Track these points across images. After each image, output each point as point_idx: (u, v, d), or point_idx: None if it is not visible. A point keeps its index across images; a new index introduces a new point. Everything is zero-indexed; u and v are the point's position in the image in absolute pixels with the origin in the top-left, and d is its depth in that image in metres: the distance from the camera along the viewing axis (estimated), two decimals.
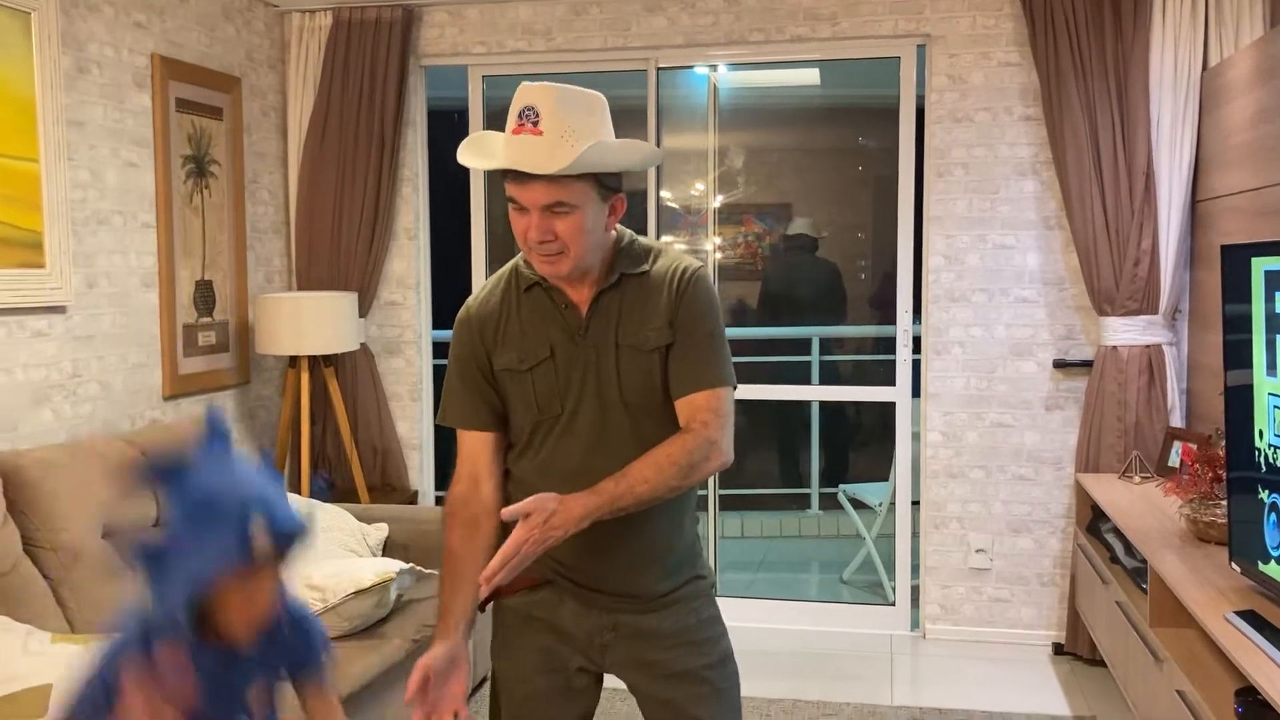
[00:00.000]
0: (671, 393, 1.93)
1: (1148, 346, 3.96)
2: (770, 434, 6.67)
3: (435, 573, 3.54)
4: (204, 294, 4.06)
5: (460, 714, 1.86)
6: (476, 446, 1.99)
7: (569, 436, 1.93)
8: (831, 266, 6.42)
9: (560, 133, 1.79)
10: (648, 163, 1.99)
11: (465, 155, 1.89)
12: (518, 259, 2.01)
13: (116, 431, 3.49)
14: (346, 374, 4.55)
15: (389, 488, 4.58)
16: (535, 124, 1.79)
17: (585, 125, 1.81)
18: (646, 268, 1.97)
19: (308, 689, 1.76)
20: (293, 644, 1.70)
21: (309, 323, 4.08)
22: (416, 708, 1.84)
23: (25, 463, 2.83)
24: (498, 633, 2.08)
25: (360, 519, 3.70)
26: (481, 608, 2.03)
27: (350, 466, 4.41)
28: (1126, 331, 3.97)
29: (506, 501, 1.93)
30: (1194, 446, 3.51)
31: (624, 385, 1.93)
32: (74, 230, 3.38)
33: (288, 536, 1.55)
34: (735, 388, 1.97)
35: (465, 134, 4.76)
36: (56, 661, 2.46)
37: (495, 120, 5.07)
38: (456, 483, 1.99)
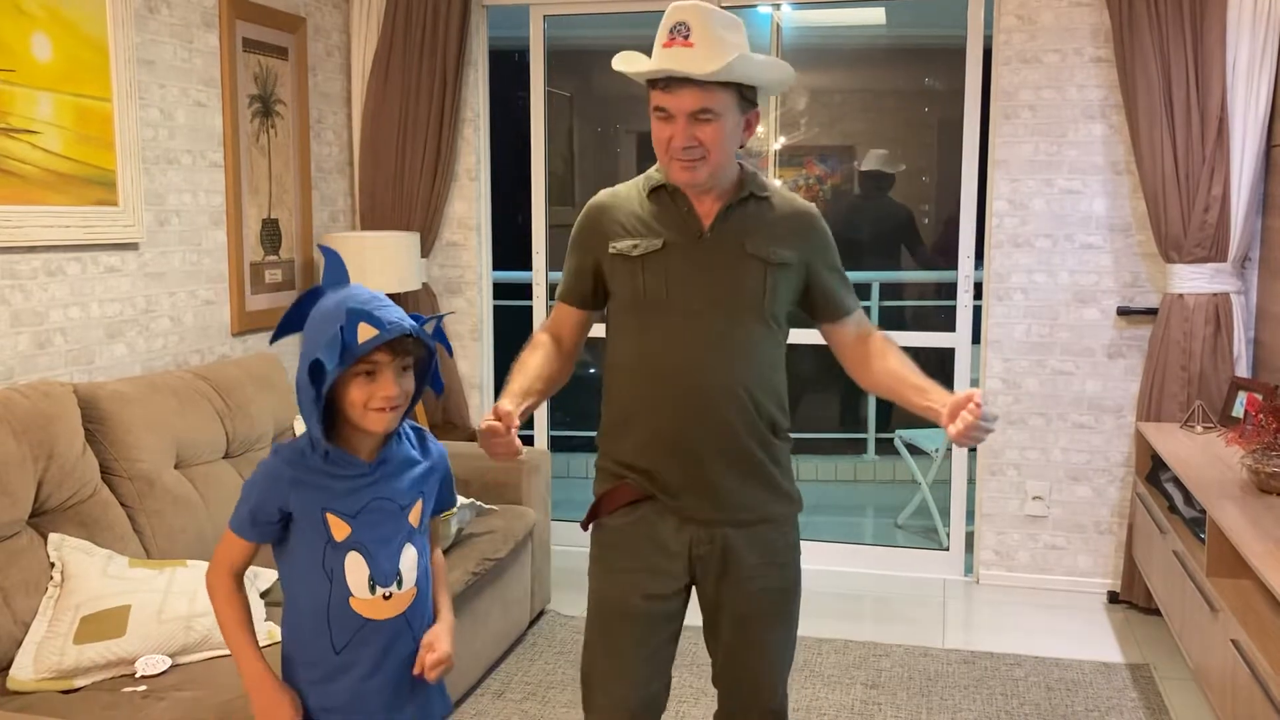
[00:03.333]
0: (829, 313, 2.17)
1: (1215, 295, 3.89)
2: (828, 379, 6.66)
3: (495, 509, 3.62)
4: (270, 233, 4.13)
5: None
6: (564, 318, 2.19)
7: (669, 328, 2.03)
8: (903, 210, 6.34)
9: (710, 45, 1.93)
10: (785, 83, 2.11)
11: (620, 63, 2.01)
12: (654, 167, 2.13)
13: (187, 366, 3.59)
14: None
15: (450, 425, 4.66)
16: (686, 38, 1.93)
17: (731, 40, 1.96)
18: (769, 194, 2.12)
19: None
20: (432, 478, 1.88)
21: (372, 262, 4.14)
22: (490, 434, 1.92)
23: (102, 394, 2.93)
24: (596, 551, 2.15)
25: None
26: (584, 526, 2.16)
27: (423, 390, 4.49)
28: (1193, 279, 3.90)
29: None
30: (1259, 397, 3.46)
31: (741, 289, 2.05)
32: (145, 169, 3.45)
33: (392, 336, 1.68)
34: None
35: (526, 75, 4.78)
36: (134, 585, 2.57)
37: (557, 59, 5.06)
38: (540, 331, 2.19)
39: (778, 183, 2.19)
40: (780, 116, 5.11)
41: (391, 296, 4.45)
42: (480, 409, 4.79)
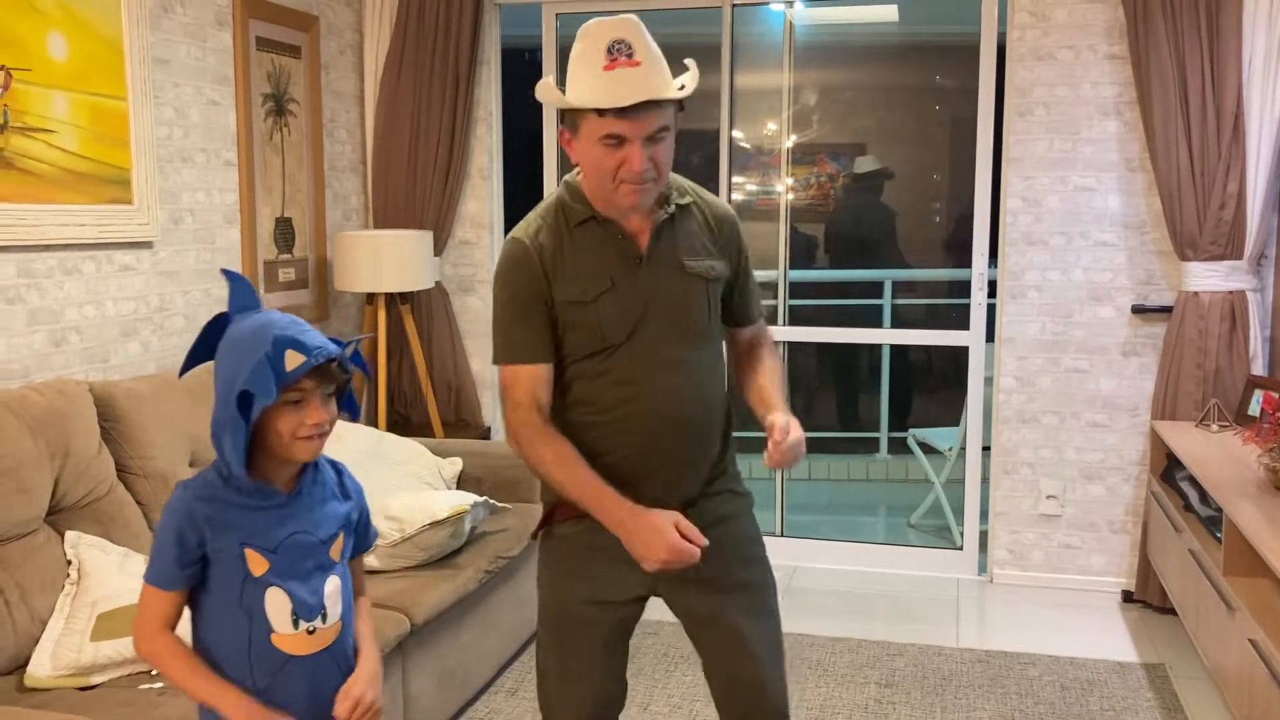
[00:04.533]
0: (742, 318, 2.16)
1: (1230, 292, 3.87)
2: (840, 377, 6.65)
3: (508, 506, 3.62)
4: (284, 231, 4.14)
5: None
6: (538, 377, 1.98)
7: (632, 359, 1.98)
8: (889, 210, 6.33)
9: (652, 59, 1.87)
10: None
11: (547, 93, 1.93)
12: (559, 195, 2.04)
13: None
14: (422, 312, 4.62)
15: (463, 423, 4.67)
16: (630, 56, 1.85)
17: (658, 49, 1.90)
18: (690, 199, 2.08)
19: (351, 565, 1.86)
20: (350, 513, 1.82)
21: (386, 260, 4.15)
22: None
23: (117, 392, 2.94)
24: (546, 559, 2.12)
25: (435, 453, 3.79)
26: (533, 535, 2.13)
27: (425, 402, 4.50)
28: (1209, 277, 3.88)
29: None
30: (1276, 395, 3.44)
31: (687, 308, 2.02)
32: (159, 167, 3.46)
33: (319, 362, 1.64)
34: None
35: (538, 74, 4.77)
36: None
37: (569, 59, 5.06)
38: (519, 408, 1.97)
39: (681, 180, 2.12)
40: (793, 115, 5.10)
41: (404, 295, 4.48)
42: (492, 406, 4.80)
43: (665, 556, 1.87)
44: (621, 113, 1.84)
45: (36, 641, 2.44)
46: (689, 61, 1.97)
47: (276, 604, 1.68)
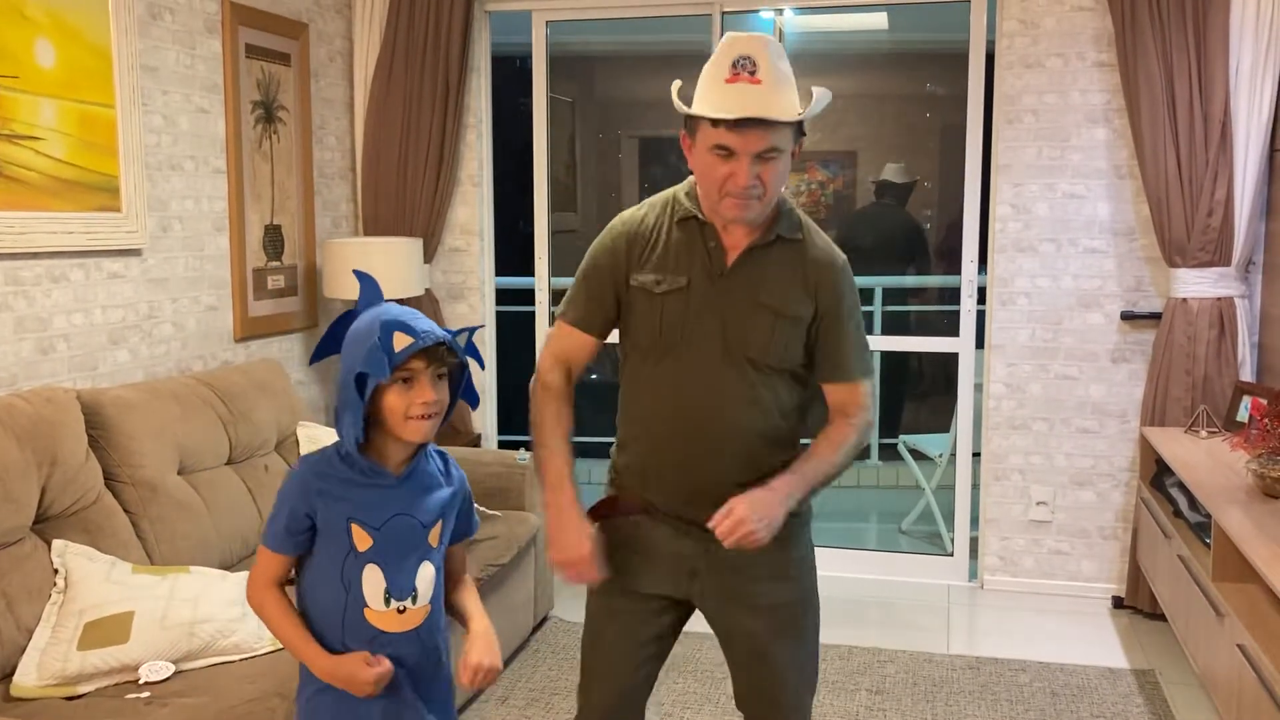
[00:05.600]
0: (827, 373, 2.06)
1: (1219, 299, 3.88)
2: None
3: (498, 514, 3.62)
4: (273, 238, 4.13)
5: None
6: (579, 346, 2.10)
7: (681, 370, 2.01)
8: (910, 219, 6.34)
9: (776, 80, 1.90)
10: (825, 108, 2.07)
11: (687, 102, 1.95)
12: (675, 190, 2.10)
13: (190, 372, 3.59)
14: None
15: (453, 431, 4.65)
16: (753, 74, 1.88)
17: (788, 71, 1.94)
18: (800, 236, 2.06)
19: (453, 555, 1.97)
20: (453, 502, 1.91)
21: (375, 267, 4.14)
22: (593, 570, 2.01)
23: (105, 400, 2.93)
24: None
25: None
26: (591, 518, 2.14)
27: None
28: (1197, 283, 3.90)
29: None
30: (1264, 401, 3.45)
31: (749, 340, 2.00)
32: (148, 175, 3.45)
33: (428, 344, 1.74)
34: None
35: (528, 81, 4.78)
36: (138, 591, 2.56)
37: (559, 65, 5.06)
38: (550, 370, 2.10)
39: (802, 216, 2.12)
40: None
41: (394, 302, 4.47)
42: (483, 414, 4.79)
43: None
44: (733, 126, 1.87)
45: (23, 651, 2.43)
46: (820, 91, 1.96)
47: (372, 580, 1.79)
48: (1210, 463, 3.39)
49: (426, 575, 1.84)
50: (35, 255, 3.04)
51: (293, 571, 1.84)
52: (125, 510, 2.86)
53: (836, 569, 4.62)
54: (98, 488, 2.81)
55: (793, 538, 2.09)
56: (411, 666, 1.84)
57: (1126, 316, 4.14)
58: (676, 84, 2.01)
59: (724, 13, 4.49)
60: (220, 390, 3.32)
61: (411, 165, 4.55)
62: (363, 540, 1.78)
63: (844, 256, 2.10)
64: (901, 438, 5.42)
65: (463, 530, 1.96)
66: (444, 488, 1.89)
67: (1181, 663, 3.65)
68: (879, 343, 6.07)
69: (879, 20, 5.96)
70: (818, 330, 2.04)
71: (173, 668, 2.48)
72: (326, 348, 1.85)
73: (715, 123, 1.89)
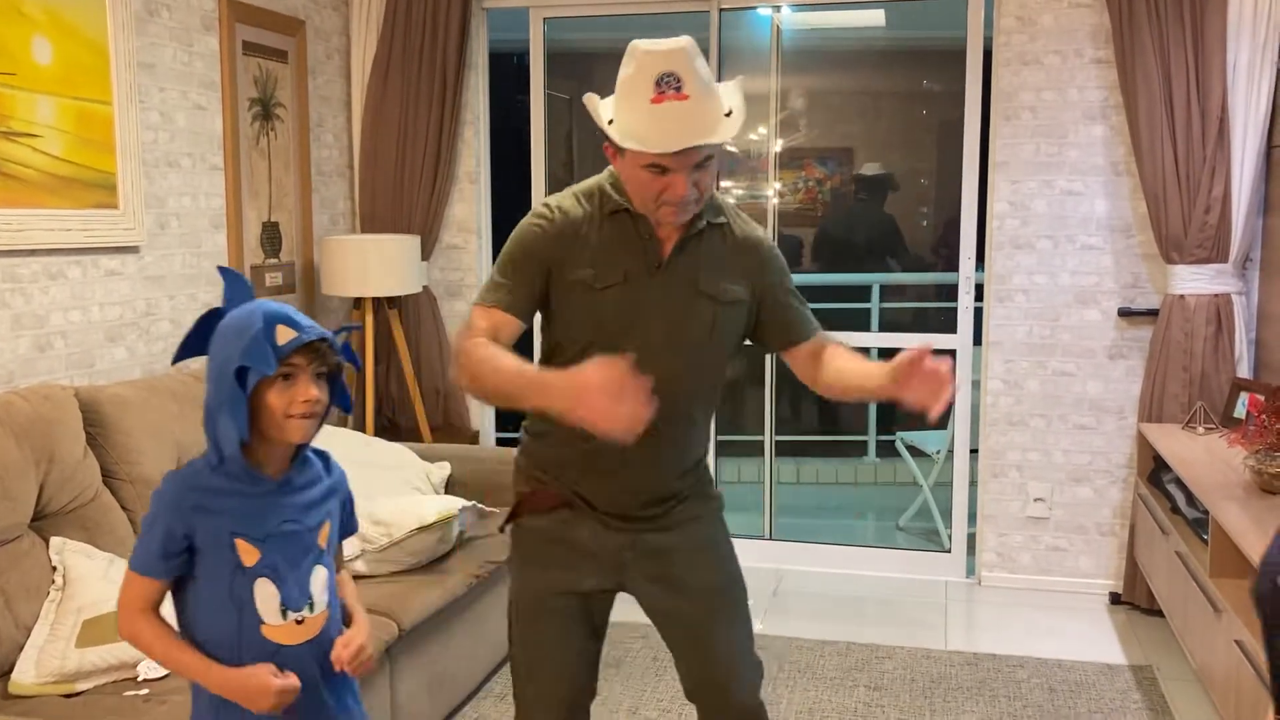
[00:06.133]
0: (785, 342, 2.10)
1: (1216, 295, 3.89)
2: None
3: (496, 511, 3.62)
4: (271, 236, 4.13)
5: None
6: (505, 327, 1.95)
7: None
8: (889, 217, 6.35)
9: (703, 91, 1.83)
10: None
11: (631, 136, 1.84)
12: (601, 181, 2.04)
13: (187, 369, 3.59)
14: (410, 316, 4.62)
15: (451, 427, 4.66)
16: (679, 89, 1.81)
17: (708, 72, 1.87)
18: (724, 219, 2.06)
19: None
20: (335, 499, 1.83)
21: (373, 265, 4.14)
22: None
23: (103, 398, 2.93)
24: (517, 552, 2.14)
25: (424, 458, 3.78)
26: (501, 529, 2.16)
27: (414, 406, 4.49)
28: (1194, 280, 3.90)
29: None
30: (1261, 397, 3.46)
31: (692, 329, 2.00)
32: (145, 172, 3.45)
33: (311, 338, 1.66)
34: None
35: (525, 78, 4.78)
36: None
37: (556, 62, 5.06)
38: (475, 332, 1.91)
39: (730, 201, 2.11)
40: (780, 120, 5.11)
41: (391, 300, 4.47)
42: (480, 410, 4.78)
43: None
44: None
45: (21, 649, 2.43)
46: (730, 85, 1.93)
47: (265, 595, 1.69)
48: (1208, 459, 3.39)
49: (320, 579, 1.76)
50: (32, 252, 3.04)
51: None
52: (123, 507, 2.86)
53: (834, 565, 4.62)
54: (96, 485, 2.81)
55: (712, 517, 2.15)
56: (315, 674, 1.75)
57: (1124, 313, 4.14)
58: (592, 99, 1.94)
59: (721, 9, 4.48)
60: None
61: (409, 162, 4.55)
62: (249, 554, 1.68)
63: (765, 232, 2.12)
64: (899, 434, 5.43)
65: (345, 529, 1.87)
66: (325, 488, 1.80)
67: (1179, 658, 3.65)
68: (876, 340, 6.08)
69: (876, 17, 5.96)
70: (763, 309, 2.07)
71: None
72: (191, 347, 1.73)
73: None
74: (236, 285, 1.74)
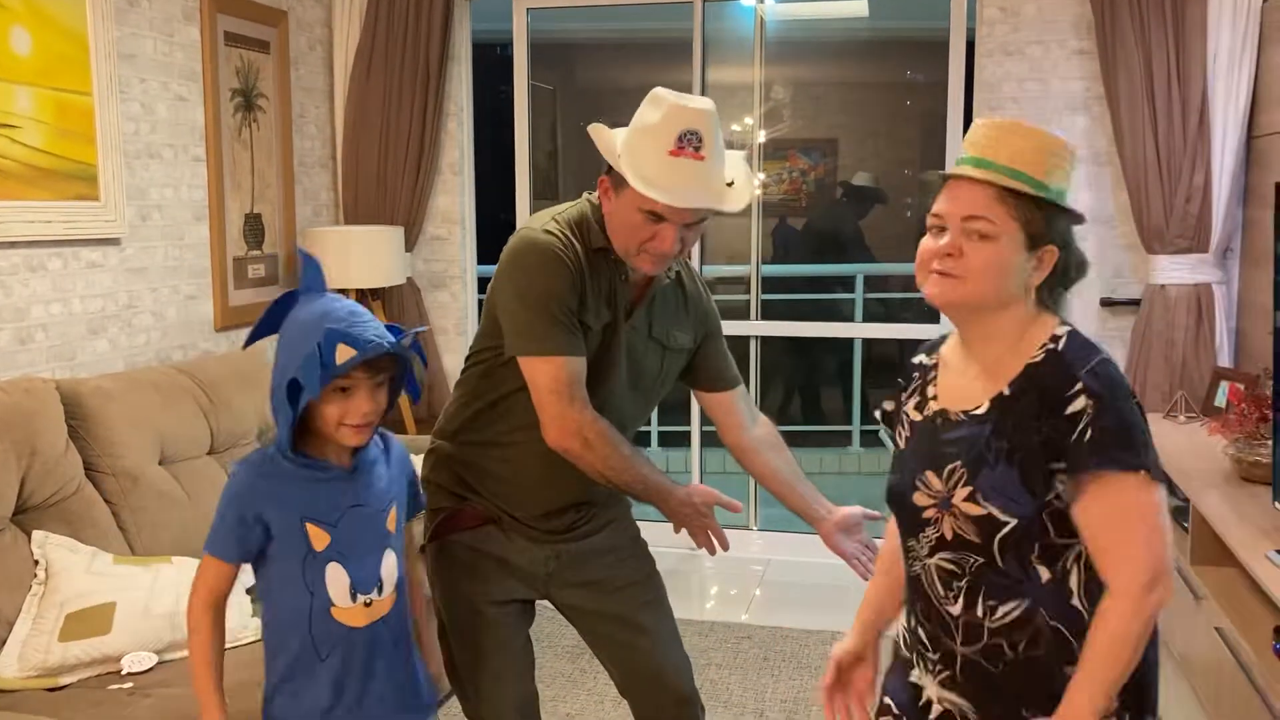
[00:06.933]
0: (711, 384, 2.21)
1: (1197, 285, 3.91)
2: (812, 371, 6.67)
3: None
4: (253, 227, 4.11)
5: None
6: (584, 375, 1.93)
7: (597, 401, 1.97)
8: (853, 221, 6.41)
9: (716, 156, 1.88)
10: None
11: (644, 180, 1.84)
12: (584, 211, 1.99)
13: (170, 361, 3.57)
14: (394, 307, 4.61)
15: (435, 420, 4.64)
16: (698, 149, 1.84)
17: (722, 142, 1.91)
18: (680, 269, 2.12)
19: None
20: (400, 480, 1.87)
21: (356, 256, 4.12)
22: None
23: (85, 390, 2.91)
24: (447, 570, 2.13)
25: (409, 450, 3.76)
26: (421, 549, 2.13)
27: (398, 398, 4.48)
28: (1176, 270, 3.92)
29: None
30: (1241, 386, 3.48)
31: (646, 371, 2.07)
32: (126, 163, 3.43)
33: (369, 356, 1.67)
34: None
35: (509, 69, 4.76)
36: (119, 582, 2.55)
37: (540, 52, 5.04)
38: (587, 406, 1.91)
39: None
40: (764, 110, 5.11)
41: (375, 291, 4.45)
42: None
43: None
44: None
45: (4, 643, 2.42)
46: (737, 156, 1.97)
47: (336, 579, 1.73)
48: (1188, 447, 3.41)
49: (390, 564, 1.80)
50: (12, 244, 3.02)
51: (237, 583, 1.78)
52: (106, 501, 2.85)
53: (819, 555, 4.61)
54: (78, 478, 2.80)
55: (625, 518, 2.23)
56: (377, 654, 1.79)
57: (1106, 303, 4.16)
58: (600, 129, 1.93)
59: (705, 0, 4.48)
60: (201, 380, 3.31)
61: (392, 154, 4.53)
62: (320, 539, 1.72)
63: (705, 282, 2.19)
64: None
65: (411, 508, 1.92)
66: (389, 469, 1.84)
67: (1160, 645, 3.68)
68: (860, 330, 6.10)
69: (859, 8, 5.97)
70: (698, 355, 2.17)
71: (155, 658, 2.48)
72: (265, 328, 1.76)
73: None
74: (311, 270, 1.76)
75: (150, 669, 2.45)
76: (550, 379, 1.89)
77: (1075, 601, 1.53)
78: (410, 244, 4.62)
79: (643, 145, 1.86)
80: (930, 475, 1.56)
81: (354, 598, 1.74)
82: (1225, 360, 3.94)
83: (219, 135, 3.86)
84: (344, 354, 1.64)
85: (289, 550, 1.72)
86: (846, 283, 6.39)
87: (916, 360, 1.73)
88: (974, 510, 1.49)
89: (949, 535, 1.52)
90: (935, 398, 1.64)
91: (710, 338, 2.18)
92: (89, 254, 3.30)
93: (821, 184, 6.64)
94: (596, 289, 1.96)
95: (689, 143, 1.83)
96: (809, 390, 6.67)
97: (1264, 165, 3.74)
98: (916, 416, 1.66)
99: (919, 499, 1.57)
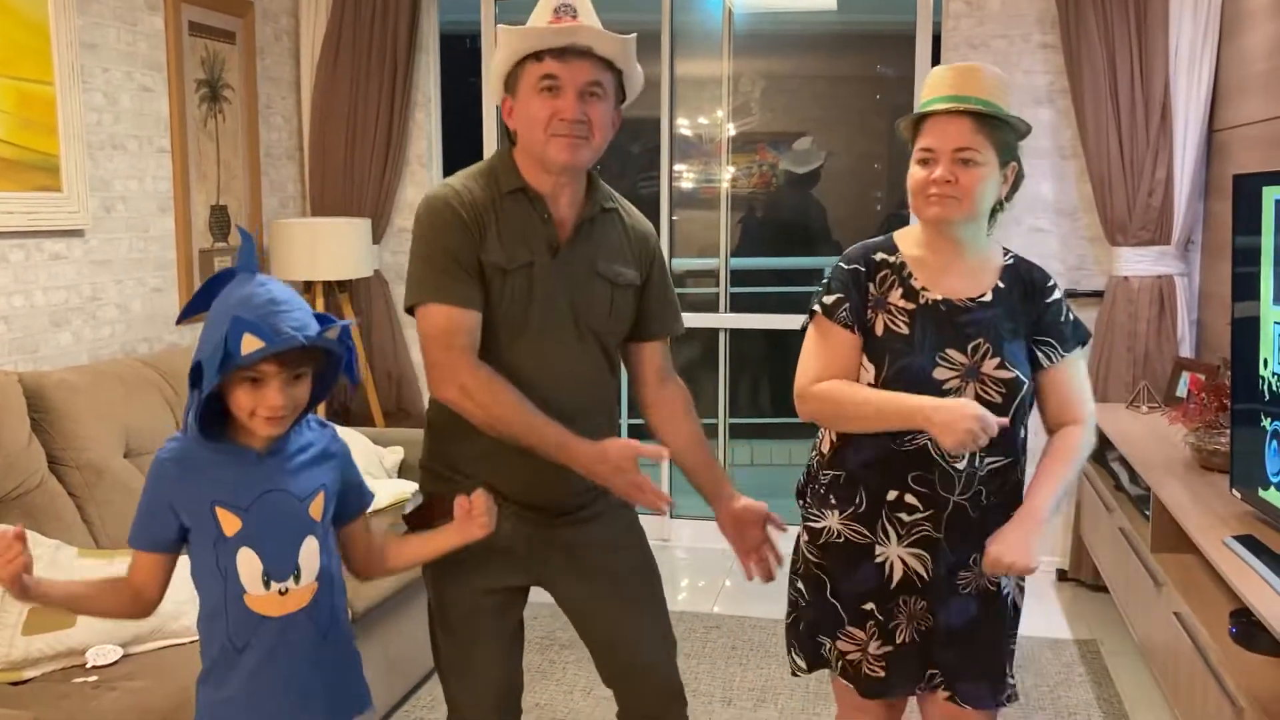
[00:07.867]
0: (648, 330, 2.14)
1: (1159, 277, 3.96)
2: (781, 363, 6.70)
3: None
4: (219, 219, 4.08)
5: None
6: (475, 326, 1.92)
7: (537, 351, 1.97)
8: (818, 204, 6.43)
9: (592, 19, 1.94)
10: (637, 86, 2.08)
11: (512, 39, 1.94)
12: (492, 162, 2.04)
13: (135, 354, 3.54)
14: (361, 300, 4.59)
15: (403, 413, 4.64)
16: (574, 16, 1.92)
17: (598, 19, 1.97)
18: (615, 205, 2.10)
19: (350, 529, 1.87)
20: (332, 472, 1.80)
21: (324, 248, 4.10)
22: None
23: (48, 383, 2.89)
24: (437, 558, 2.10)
25: (376, 443, 3.76)
26: (411, 525, 2.10)
27: (366, 391, 4.47)
28: (1138, 262, 3.97)
29: None
30: (1201, 376, 3.53)
31: (594, 312, 2.03)
32: (90, 154, 3.40)
33: (279, 349, 1.60)
34: None
35: (477, 60, 4.75)
36: (83, 575, 2.53)
37: None
38: (465, 354, 1.90)
39: (609, 189, 2.13)
40: (733, 103, 5.12)
41: (342, 284, 4.42)
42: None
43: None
44: (559, 55, 1.91)
45: None
46: (627, 38, 1.99)
47: (248, 564, 1.67)
48: (1150, 437, 3.46)
49: (310, 550, 1.72)
50: None
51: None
52: (70, 494, 2.83)
53: (788, 546, 4.65)
54: (41, 471, 2.77)
55: (624, 510, 2.15)
56: (298, 648, 1.72)
57: (1070, 294, 4.19)
58: (501, 28, 2.00)
59: None
60: (166, 372, 3.28)
61: (359, 145, 4.51)
62: (230, 523, 1.66)
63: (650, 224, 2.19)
64: None
65: (356, 505, 1.85)
66: (321, 458, 1.77)
67: (1122, 632, 3.73)
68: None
69: (828, 1, 5.99)
70: (646, 295, 2.12)
71: (120, 651, 2.46)
72: (195, 306, 1.70)
73: (537, 56, 1.91)
74: (246, 251, 1.70)
75: (115, 662, 2.44)
76: (430, 325, 1.92)
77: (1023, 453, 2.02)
78: (378, 236, 4.60)
79: (524, 28, 1.95)
80: (952, 351, 1.95)
81: (267, 585, 1.68)
82: (1187, 351, 3.99)
83: (184, 126, 3.83)
84: (250, 345, 1.58)
85: (201, 535, 1.68)
86: (815, 275, 6.41)
87: (876, 259, 2.03)
88: (1005, 374, 1.95)
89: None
90: (926, 289, 1.98)
91: (656, 281, 2.12)
92: (52, 245, 3.27)
93: (791, 177, 6.66)
94: (509, 229, 1.96)
95: (565, 12, 1.92)
96: (779, 382, 6.70)
97: (1224, 158, 3.79)
98: (910, 305, 1.97)
99: (939, 374, 1.93)
